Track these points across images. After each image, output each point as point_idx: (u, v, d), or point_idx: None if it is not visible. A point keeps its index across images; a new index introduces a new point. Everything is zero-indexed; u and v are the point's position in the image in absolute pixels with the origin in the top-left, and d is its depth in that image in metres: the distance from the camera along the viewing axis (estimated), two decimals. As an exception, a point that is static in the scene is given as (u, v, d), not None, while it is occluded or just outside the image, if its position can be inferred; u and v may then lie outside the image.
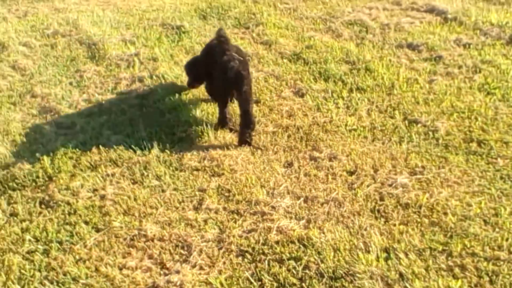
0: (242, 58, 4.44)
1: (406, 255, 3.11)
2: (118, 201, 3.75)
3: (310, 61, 5.66)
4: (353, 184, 3.78)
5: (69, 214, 3.68)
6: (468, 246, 3.16)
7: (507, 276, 2.93)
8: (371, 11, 6.97)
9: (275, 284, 3.01)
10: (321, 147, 4.21)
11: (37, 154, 4.34)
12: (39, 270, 3.23)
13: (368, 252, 3.16)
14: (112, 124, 4.73)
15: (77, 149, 4.37)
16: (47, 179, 4.07)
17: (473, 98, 4.75)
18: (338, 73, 5.31)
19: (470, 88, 4.93)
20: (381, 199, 3.62)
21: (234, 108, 4.67)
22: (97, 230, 3.51)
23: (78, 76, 5.79)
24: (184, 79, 5.31)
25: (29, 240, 3.47)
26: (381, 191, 3.68)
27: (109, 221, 3.57)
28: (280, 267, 3.11)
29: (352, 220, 3.43)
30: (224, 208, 3.63)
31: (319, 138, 4.33)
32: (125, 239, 3.42)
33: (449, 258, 3.09)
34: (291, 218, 3.50)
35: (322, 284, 2.98)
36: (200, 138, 4.43)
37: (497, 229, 3.28)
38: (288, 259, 3.15)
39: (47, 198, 3.85)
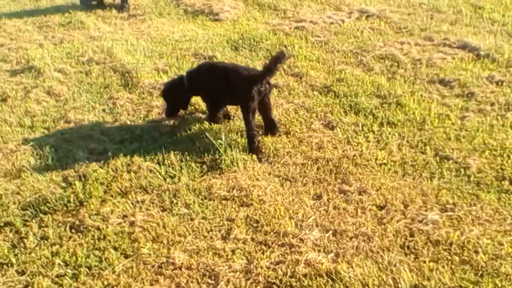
0: None
1: (436, 293, 3.07)
2: (147, 228, 3.78)
3: (341, 94, 5.67)
4: (383, 219, 3.74)
5: (99, 239, 3.72)
6: (499, 285, 3.11)
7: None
8: (403, 46, 6.96)
9: (303, 318, 2.99)
10: (351, 181, 4.19)
11: (69, 179, 4.41)
12: (68, 294, 3.26)
13: (398, 288, 3.12)
14: (143, 151, 4.77)
15: (108, 175, 4.43)
16: (78, 204, 4.13)
17: (506, 136, 4.69)
18: (369, 107, 5.30)
19: (502, 125, 4.87)
20: (411, 235, 3.57)
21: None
22: (126, 256, 3.54)
23: (111, 103, 5.88)
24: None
25: (59, 264, 3.51)
26: (411, 227, 3.64)
27: (137, 247, 3.60)
28: (308, 300, 3.09)
29: (381, 256, 3.39)
30: (252, 239, 3.63)
31: (349, 172, 4.32)
32: (153, 266, 3.44)
33: (481, 297, 3.04)
34: (319, 251, 3.48)
35: (350, 319, 2.95)
36: (229, 168, 4.45)
37: (529, 270, 3.22)
38: (316, 293, 3.13)
39: (77, 222, 3.91)
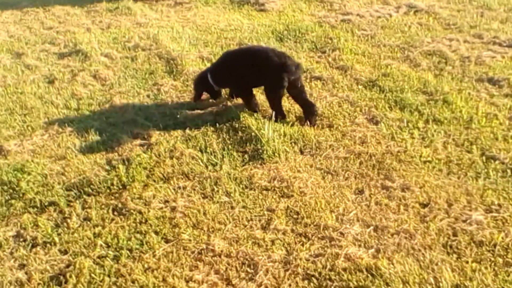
0: None
1: (479, 294, 3.01)
2: (188, 214, 3.81)
3: (386, 89, 5.59)
4: (426, 217, 3.68)
5: (140, 223, 3.76)
6: (545, 291, 3.03)
7: None
8: (451, 42, 6.83)
9: (341, 312, 2.97)
10: (394, 177, 4.14)
11: (113, 162, 4.47)
12: (109, 276, 3.30)
13: (439, 287, 3.07)
14: (186, 138, 4.81)
15: (151, 160, 4.48)
16: (121, 187, 4.18)
17: (556, 138, 4.57)
18: (415, 103, 5.22)
19: (552, 127, 4.75)
20: (454, 234, 3.51)
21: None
22: (166, 241, 3.57)
23: (156, 89, 5.95)
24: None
25: (101, 245, 3.56)
26: (455, 226, 3.57)
27: (178, 233, 3.63)
28: (347, 295, 3.07)
29: (423, 254, 3.34)
30: (292, 230, 3.61)
31: (392, 168, 4.26)
32: (193, 252, 3.46)
33: (525, 302, 2.97)
34: (359, 246, 3.45)
35: (389, 316, 2.92)
36: (271, 158, 4.45)
37: None
38: (355, 288, 3.11)
39: (120, 205, 3.96)
